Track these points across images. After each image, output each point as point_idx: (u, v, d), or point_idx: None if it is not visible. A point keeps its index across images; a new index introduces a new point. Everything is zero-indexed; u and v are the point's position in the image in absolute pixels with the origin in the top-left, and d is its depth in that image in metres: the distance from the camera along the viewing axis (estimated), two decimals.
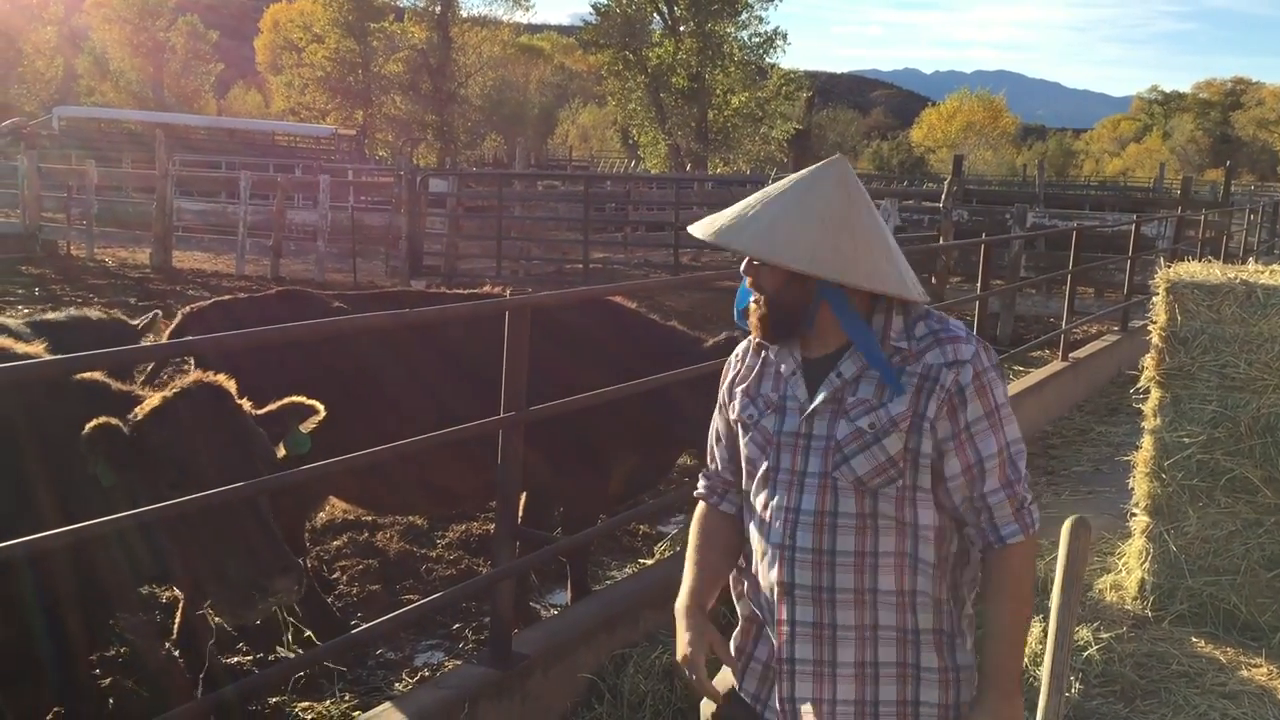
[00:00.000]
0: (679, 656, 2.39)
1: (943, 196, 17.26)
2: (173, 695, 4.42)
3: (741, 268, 2.34)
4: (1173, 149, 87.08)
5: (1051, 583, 2.44)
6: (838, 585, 2.27)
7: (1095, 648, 4.55)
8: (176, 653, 4.77)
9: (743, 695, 2.46)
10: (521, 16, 57.55)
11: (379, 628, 3.98)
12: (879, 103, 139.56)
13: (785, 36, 47.59)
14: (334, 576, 5.95)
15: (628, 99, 47.79)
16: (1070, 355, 10.73)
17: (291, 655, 4.79)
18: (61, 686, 3.70)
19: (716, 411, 2.59)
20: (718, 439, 2.58)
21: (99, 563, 3.38)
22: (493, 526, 4.82)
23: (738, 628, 2.51)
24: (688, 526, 2.80)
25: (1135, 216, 15.50)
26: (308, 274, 19.47)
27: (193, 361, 4.26)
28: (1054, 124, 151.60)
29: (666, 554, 6.19)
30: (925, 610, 2.29)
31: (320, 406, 3.51)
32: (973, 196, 24.99)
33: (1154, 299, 5.23)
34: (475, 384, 4.47)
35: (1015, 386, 9.53)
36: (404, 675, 4.99)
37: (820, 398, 2.30)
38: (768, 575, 2.35)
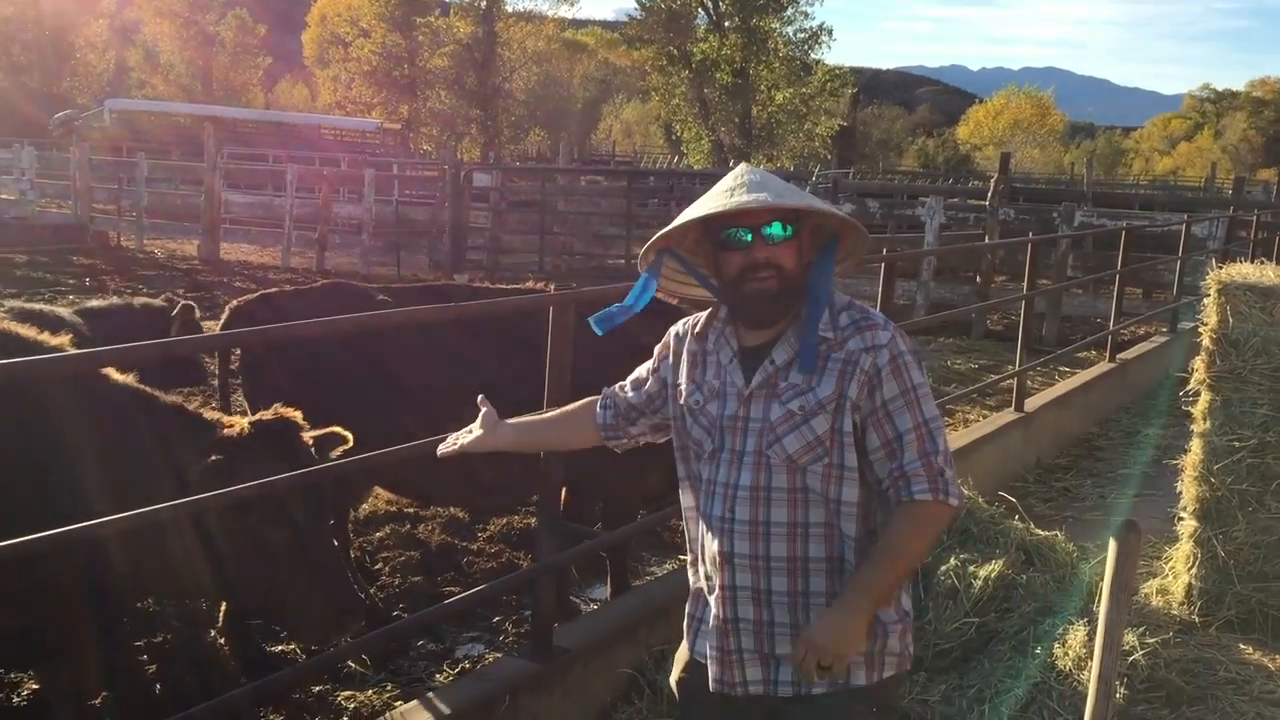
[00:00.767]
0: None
1: (989, 195, 17.11)
2: (218, 683, 4.48)
3: (756, 254, 2.44)
4: (1224, 148, 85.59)
5: (1099, 588, 2.42)
6: (772, 554, 2.50)
7: (1141, 653, 4.46)
8: (221, 640, 4.84)
9: (697, 658, 2.68)
10: (566, 11, 57.59)
11: (421, 619, 4.01)
12: (925, 99, 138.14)
13: (830, 32, 47.38)
14: (376, 567, 6.01)
15: (671, 94, 47.72)
16: (1118, 356, 10.63)
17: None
18: (109, 672, 3.80)
19: (652, 362, 2.81)
20: (640, 381, 2.83)
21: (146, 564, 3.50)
22: (533, 520, 4.83)
23: (689, 596, 2.73)
24: None
25: (1185, 216, 15.29)
26: (352, 266, 19.65)
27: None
28: (1103, 122, 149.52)
29: None
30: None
31: (350, 436, 3.79)
32: (1019, 195, 24.78)
33: (1205, 300, 5.16)
34: (521, 378, 4.49)
35: (1061, 387, 9.44)
36: (445, 666, 5.02)
37: (755, 382, 2.51)
38: (710, 547, 2.57)
